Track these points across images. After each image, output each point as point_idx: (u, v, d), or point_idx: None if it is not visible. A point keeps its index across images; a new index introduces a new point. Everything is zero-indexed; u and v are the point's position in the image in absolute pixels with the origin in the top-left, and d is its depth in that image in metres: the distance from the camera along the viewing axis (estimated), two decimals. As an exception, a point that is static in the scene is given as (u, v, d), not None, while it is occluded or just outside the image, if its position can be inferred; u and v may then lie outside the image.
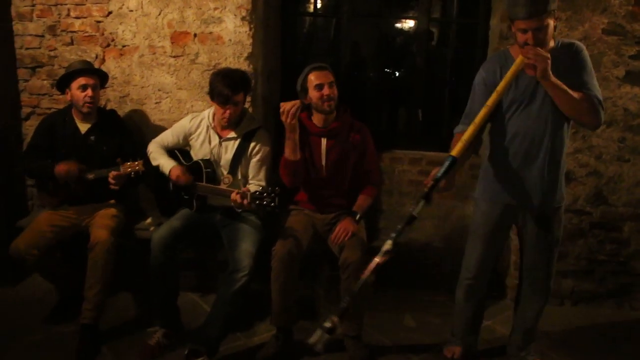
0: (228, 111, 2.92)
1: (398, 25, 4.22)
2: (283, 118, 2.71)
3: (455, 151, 2.36)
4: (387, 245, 2.31)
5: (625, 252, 3.45)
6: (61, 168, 2.99)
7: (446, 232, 3.83)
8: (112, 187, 2.96)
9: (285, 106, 2.69)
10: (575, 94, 2.33)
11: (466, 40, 3.94)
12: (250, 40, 3.34)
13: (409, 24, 4.15)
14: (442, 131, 4.01)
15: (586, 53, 2.45)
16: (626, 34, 3.21)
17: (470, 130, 2.37)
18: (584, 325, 3.33)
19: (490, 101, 2.36)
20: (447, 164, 2.33)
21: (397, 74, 4.25)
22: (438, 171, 2.35)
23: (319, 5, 4.11)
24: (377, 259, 2.31)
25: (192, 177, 2.95)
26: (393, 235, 2.32)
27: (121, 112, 3.44)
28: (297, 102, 2.74)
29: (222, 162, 3.05)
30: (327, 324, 2.27)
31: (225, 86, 2.86)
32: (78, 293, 3.15)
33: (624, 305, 3.52)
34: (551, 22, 2.31)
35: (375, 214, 3.83)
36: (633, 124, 3.30)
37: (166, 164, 3.03)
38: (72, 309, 3.17)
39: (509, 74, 2.33)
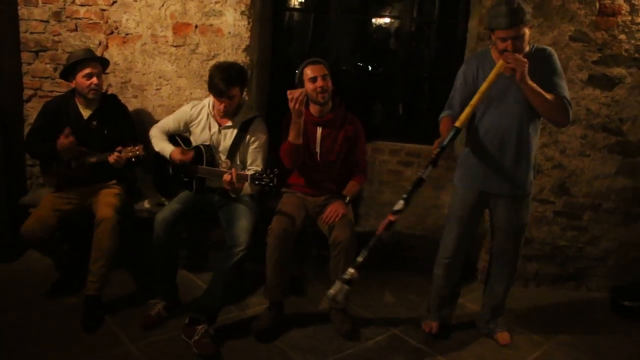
0: (223, 104, 3.09)
1: (380, 22, 4.46)
2: (291, 105, 2.91)
3: (458, 123, 2.62)
4: (399, 205, 2.63)
5: (583, 238, 3.78)
6: (61, 142, 3.13)
7: (422, 220, 4.10)
8: (113, 163, 3.12)
9: (294, 94, 2.91)
10: (548, 96, 2.62)
11: (445, 39, 4.22)
12: (249, 34, 3.55)
13: (390, 21, 4.40)
14: (420, 124, 4.29)
15: (556, 58, 2.76)
16: (590, 41, 3.52)
17: (466, 112, 2.64)
18: (546, 304, 3.66)
19: (474, 100, 2.63)
20: (452, 133, 2.60)
21: (380, 69, 4.49)
22: (443, 140, 2.62)
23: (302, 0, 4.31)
24: (390, 217, 2.62)
25: (192, 154, 3.12)
26: (404, 196, 2.63)
27: (122, 97, 3.59)
28: (304, 89, 2.97)
29: (221, 149, 3.23)
30: (346, 276, 2.56)
31: (220, 80, 3.01)
32: (76, 268, 3.35)
33: (581, 287, 3.87)
34: (527, 31, 2.61)
35: (356, 201, 4.08)
36: (594, 122, 3.62)
37: (166, 148, 3.21)
38: (71, 284, 3.34)
39: (491, 76, 2.61)
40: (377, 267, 3.88)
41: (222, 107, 3.10)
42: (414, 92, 4.30)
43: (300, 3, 4.34)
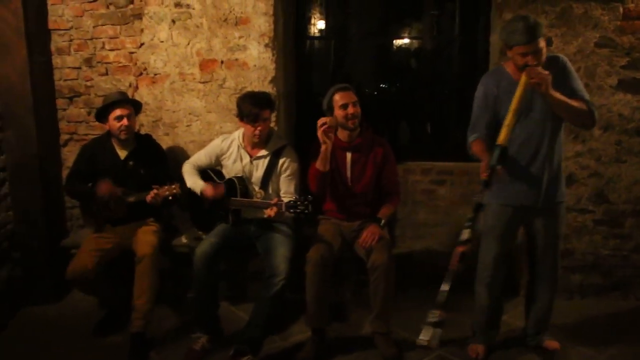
0: (259, 128, 3.14)
1: (400, 42, 4.49)
2: (318, 132, 2.97)
3: (500, 142, 2.58)
4: (466, 234, 2.60)
5: (627, 246, 3.69)
6: (103, 188, 3.25)
7: (458, 237, 4.06)
8: (150, 201, 3.18)
9: (320, 125, 2.96)
10: (574, 102, 2.63)
11: (467, 55, 4.22)
12: (274, 65, 3.62)
13: (411, 41, 4.43)
14: (449, 142, 4.28)
15: (569, 64, 2.78)
16: (616, 46, 3.48)
17: (504, 132, 2.60)
18: (593, 316, 3.56)
19: (509, 120, 2.61)
20: (497, 152, 2.57)
21: (405, 89, 4.51)
22: (489, 161, 2.58)
23: (321, 27, 4.38)
24: (460, 249, 2.59)
25: (222, 188, 3.19)
26: (468, 224, 2.60)
27: (154, 136, 3.66)
28: (333, 120, 3.00)
29: (254, 180, 3.28)
30: (433, 319, 2.52)
31: (253, 105, 3.10)
32: (120, 307, 3.41)
33: (629, 297, 3.75)
34: (544, 44, 2.62)
35: (392, 223, 4.06)
36: (628, 127, 3.56)
37: (196, 185, 3.27)
38: (116, 322, 3.40)
39: (518, 92, 2.59)
40: (415, 288, 3.85)
41: (258, 131, 3.14)
42: (440, 110, 4.31)
43: (320, 30, 4.41)
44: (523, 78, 2.59)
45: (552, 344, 3.09)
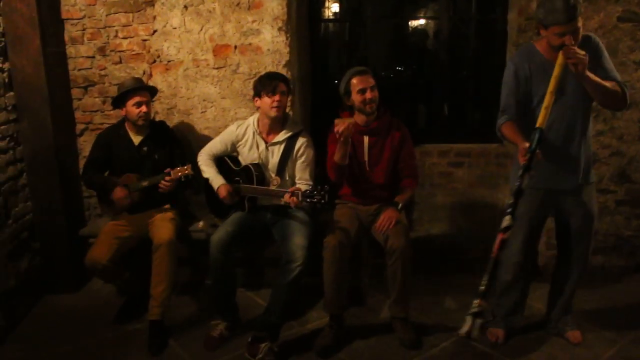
0: (278, 95, 3.09)
1: (415, 24, 4.41)
2: (338, 136, 2.93)
3: (539, 125, 2.51)
4: (507, 221, 2.52)
5: (651, 226, 3.63)
6: (116, 195, 3.29)
7: (476, 220, 4.03)
8: (162, 189, 3.20)
9: (339, 128, 2.91)
10: (608, 84, 2.55)
11: (484, 35, 4.14)
12: (287, 49, 3.58)
13: (426, 22, 4.36)
14: (466, 123, 4.22)
15: (601, 43, 2.69)
16: (641, 20, 3.39)
17: (543, 114, 2.53)
18: (616, 299, 3.50)
19: (547, 102, 2.53)
20: (537, 136, 2.49)
21: (421, 71, 4.44)
22: (529, 145, 2.49)
23: (335, 10, 4.32)
24: (501, 235, 2.52)
25: (237, 199, 3.19)
26: (509, 210, 2.52)
27: (169, 123, 3.67)
28: (352, 121, 2.96)
29: (270, 166, 3.25)
30: (474, 309, 2.46)
31: (271, 79, 3.10)
32: (138, 294, 3.44)
33: (653, 279, 3.69)
34: (582, 22, 2.52)
35: (409, 206, 4.02)
36: (652, 105, 3.48)
37: (215, 180, 3.25)
38: (135, 310, 3.43)
39: (556, 73, 2.51)
40: (433, 272, 3.82)
41: (275, 102, 3.09)
42: (457, 91, 4.24)
43: (334, 13, 4.35)
44: (560, 58, 2.50)
45: (574, 335, 3.03)
